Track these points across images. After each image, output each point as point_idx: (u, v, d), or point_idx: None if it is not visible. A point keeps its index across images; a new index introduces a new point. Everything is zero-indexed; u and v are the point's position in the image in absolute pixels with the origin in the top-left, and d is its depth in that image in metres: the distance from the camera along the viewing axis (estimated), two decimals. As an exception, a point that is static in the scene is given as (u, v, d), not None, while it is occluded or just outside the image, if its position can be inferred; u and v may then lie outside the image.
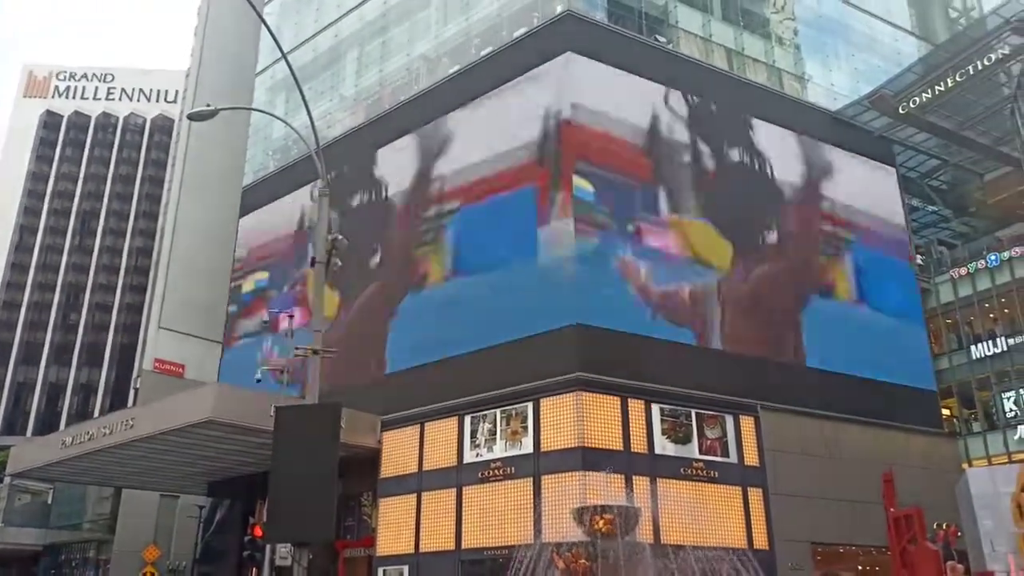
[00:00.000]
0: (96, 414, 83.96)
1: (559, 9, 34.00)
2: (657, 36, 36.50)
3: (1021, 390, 37.63)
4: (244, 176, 50.40)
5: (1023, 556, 21.34)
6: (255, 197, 47.55)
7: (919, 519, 22.69)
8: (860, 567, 32.81)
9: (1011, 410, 37.68)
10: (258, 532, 32.81)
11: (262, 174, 48.71)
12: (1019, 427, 36.98)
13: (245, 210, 48.34)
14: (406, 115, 38.89)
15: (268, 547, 16.73)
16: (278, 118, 39.35)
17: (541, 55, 33.50)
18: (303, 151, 39.14)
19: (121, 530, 51.86)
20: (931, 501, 29.32)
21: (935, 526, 24.56)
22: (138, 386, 55.65)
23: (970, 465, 35.91)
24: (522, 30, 35.46)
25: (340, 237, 13.22)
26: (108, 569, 52.65)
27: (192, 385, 43.84)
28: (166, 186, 67.55)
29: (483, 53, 37.00)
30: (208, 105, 16.87)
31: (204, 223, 56.42)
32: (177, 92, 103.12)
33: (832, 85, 42.20)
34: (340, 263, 13.47)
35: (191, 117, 17.29)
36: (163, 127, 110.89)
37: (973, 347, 39.15)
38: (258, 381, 23.11)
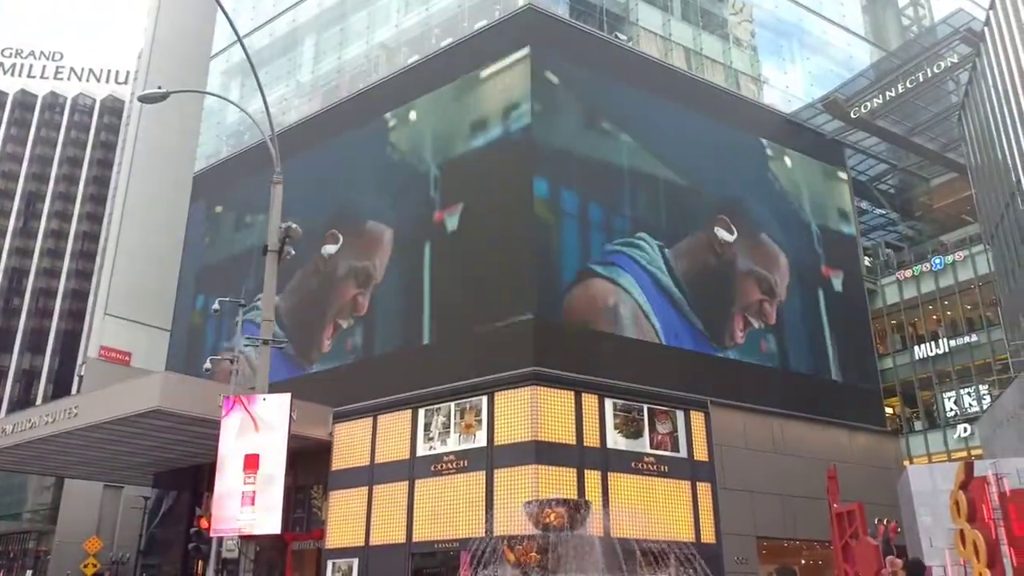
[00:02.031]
0: (38, 401, 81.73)
1: (520, 2, 33.96)
2: (617, 33, 36.68)
3: (961, 390, 38.80)
4: (196, 161, 49.37)
5: (960, 552, 21.97)
6: (206, 183, 46.61)
7: (861, 514, 23.23)
8: (803, 561, 33.54)
9: (951, 409, 38.83)
10: (204, 524, 32.26)
11: (215, 160, 47.78)
12: (959, 426, 38.13)
13: (196, 196, 47.36)
14: (364, 104, 38.47)
15: (215, 539, 16.48)
16: (232, 103, 38.60)
17: (502, 48, 33.42)
18: (257, 137, 38.45)
19: (63, 521, 50.68)
20: (873, 497, 30.13)
21: (876, 521, 25.09)
22: (82, 373, 54.35)
23: (911, 462, 36.91)
24: (483, 22, 35.33)
25: (294, 226, 13.02)
26: (48, 561, 51.38)
27: (139, 373, 42.93)
28: (115, 169, 65.97)
29: (443, 44, 36.79)
30: (160, 87, 16.44)
31: (154, 208, 55.25)
32: (128, 73, 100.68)
33: (787, 88, 42.92)
34: (293, 252, 13.26)
35: (142, 99, 16.83)
36: (113, 109, 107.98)
37: (916, 347, 40.23)
38: (207, 371, 22.66)
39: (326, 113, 40.70)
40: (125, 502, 49.70)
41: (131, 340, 53.58)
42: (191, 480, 38.24)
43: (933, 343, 39.70)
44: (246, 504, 12.58)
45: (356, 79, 40.89)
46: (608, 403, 29.89)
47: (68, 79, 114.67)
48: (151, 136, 58.49)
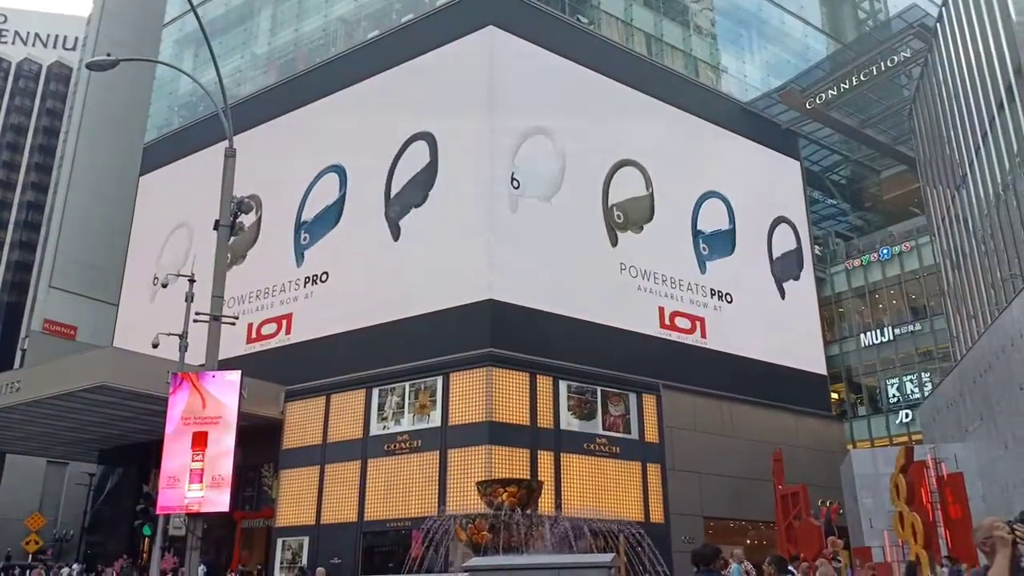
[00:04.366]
0: (-22, 376, 79.18)
1: (483, -20, 33.64)
2: (579, 16, 36.61)
3: (904, 377, 39.97)
4: (146, 132, 48.13)
5: (898, 533, 22.70)
6: (157, 154, 45.49)
7: (804, 496, 23.91)
8: (748, 541, 34.33)
9: (894, 396, 39.99)
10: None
11: (166, 130, 46.63)
12: (901, 412, 39.31)
13: (146, 168, 46.21)
14: (321, 78, 37.85)
15: (161, 516, 16.26)
16: (184, 73, 37.56)
17: (462, 27, 33.13)
18: (210, 109, 37.57)
19: (4, 497, 49.41)
20: (817, 479, 31.00)
21: (819, 503, 25.86)
22: (26, 347, 52.86)
23: (855, 446, 37.97)
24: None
25: (246, 199, 12.78)
26: (-12, 538, 50.08)
27: (84, 348, 41.96)
28: (61, 138, 63.92)
29: (404, 20, 36.31)
30: (109, 55, 15.94)
31: (102, 179, 53.81)
32: (77, 39, 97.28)
33: (745, 76, 43.36)
34: (246, 226, 13.04)
35: (90, 67, 16.29)
36: (60, 75, 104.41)
37: (862, 335, 41.29)
38: (155, 346, 22.22)
39: (282, 86, 39.96)
40: (69, 478, 48.71)
41: (76, 314, 52.29)
42: (138, 457, 37.58)
43: (879, 331, 40.79)
44: (194, 482, 12.41)
45: (314, 53, 40.18)
46: (562, 385, 30.14)
47: (13, 43, 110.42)
48: (100, 105, 56.79)
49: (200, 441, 12.45)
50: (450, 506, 24.87)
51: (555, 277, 30.71)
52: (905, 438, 36.96)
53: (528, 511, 17.39)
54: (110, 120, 55.55)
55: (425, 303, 30.24)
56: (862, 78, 40.14)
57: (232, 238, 14.17)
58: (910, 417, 38.60)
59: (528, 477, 25.29)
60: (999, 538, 4.27)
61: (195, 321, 14.52)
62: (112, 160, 53.63)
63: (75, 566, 34.85)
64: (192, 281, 20.00)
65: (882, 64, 39.63)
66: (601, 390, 31.07)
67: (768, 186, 40.37)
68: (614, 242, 33.61)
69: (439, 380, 29.45)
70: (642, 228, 34.77)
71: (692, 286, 35.49)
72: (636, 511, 29.60)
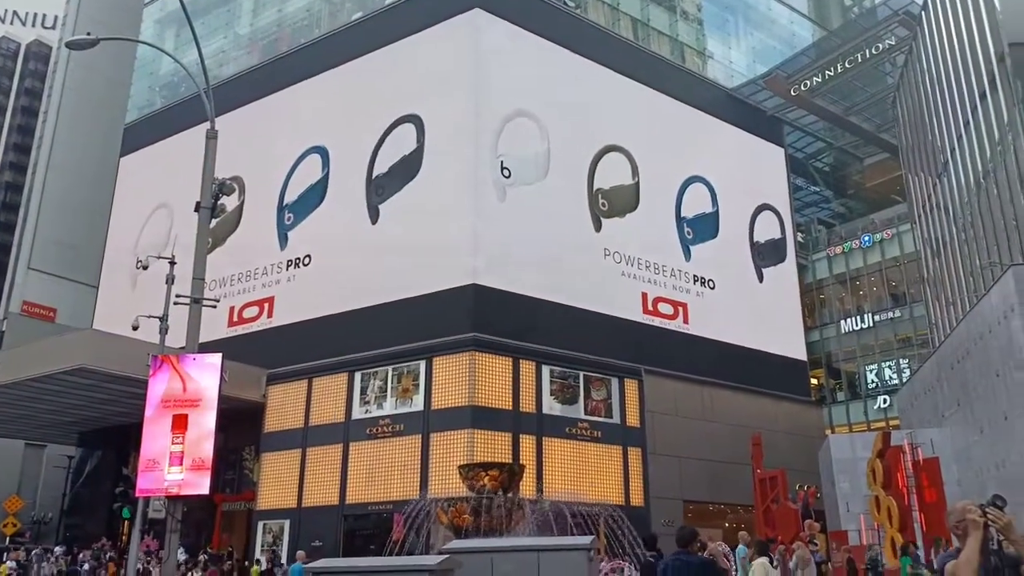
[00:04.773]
0: (-45, 358, 78.28)
1: (469, -38, 33.34)
2: (566, 0, 36.41)
3: (883, 363, 40.39)
4: (127, 112, 47.52)
5: (874, 517, 23.03)
6: (138, 135, 44.95)
7: (782, 480, 24.17)
8: (727, 524, 34.69)
9: (873, 382, 40.42)
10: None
11: (147, 111, 46.07)
12: (879, 398, 39.75)
13: (127, 148, 45.67)
14: (305, 59, 37.47)
15: (141, 499, 16.22)
16: (166, 53, 37.05)
17: (447, 8, 32.87)
18: (192, 89, 37.13)
19: (-19, 480, 48.93)
20: (796, 464, 31.30)
21: (797, 487, 26.16)
22: (4, 329, 52.26)
23: (833, 432, 38.38)
24: (430, -19, 34.64)
25: (228, 181, 12.66)
26: (-35, 521, 49.70)
27: (64, 330, 41.54)
28: (41, 118, 62.96)
29: (388, 1, 35.98)
30: (89, 34, 15.69)
31: (82, 160, 53.12)
32: (56, 17, 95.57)
33: (730, 63, 43.36)
34: (227, 208, 12.93)
35: (69, 46, 16.05)
36: (39, 54, 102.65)
37: (843, 321, 41.65)
38: (135, 329, 22.05)
39: (264, 68, 39.56)
40: (48, 461, 48.38)
41: (56, 296, 51.76)
42: (117, 440, 37.35)
43: (859, 318, 41.16)
44: (174, 465, 12.36)
45: (297, 33, 39.77)
46: (545, 370, 30.23)
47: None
48: (80, 84, 55.99)
49: (180, 424, 12.39)
50: (432, 490, 24.93)
51: (539, 262, 30.71)
52: (883, 423, 37.39)
53: (509, 494, 17.48)
54: (90, 100, 54.79)
55: (409, 287, 30.17)
56: (847, 65, 40.26)
57: (214, 220, 14.06)
58: (888, 403, 39.04)
59: (510, 461, 25.38)
60: (971, 521, 4.32)
61: (175, 304, 14.42)
62: (92, 140, 52.96)
63: (57, 549, 34.67)
64: (173, 263, 19.84)
65: (867, 51, 39.76)
66: (584, 375, 31.20)
67: (752, 173, 40.48)
68: (598, 227, 33.64)
69: (422, 364, 29.45)
70: (626, 216, 34.82)
71: (675, 272, 35.62)
72: (617, 494, 29.81)
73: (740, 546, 13.78)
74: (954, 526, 4.51)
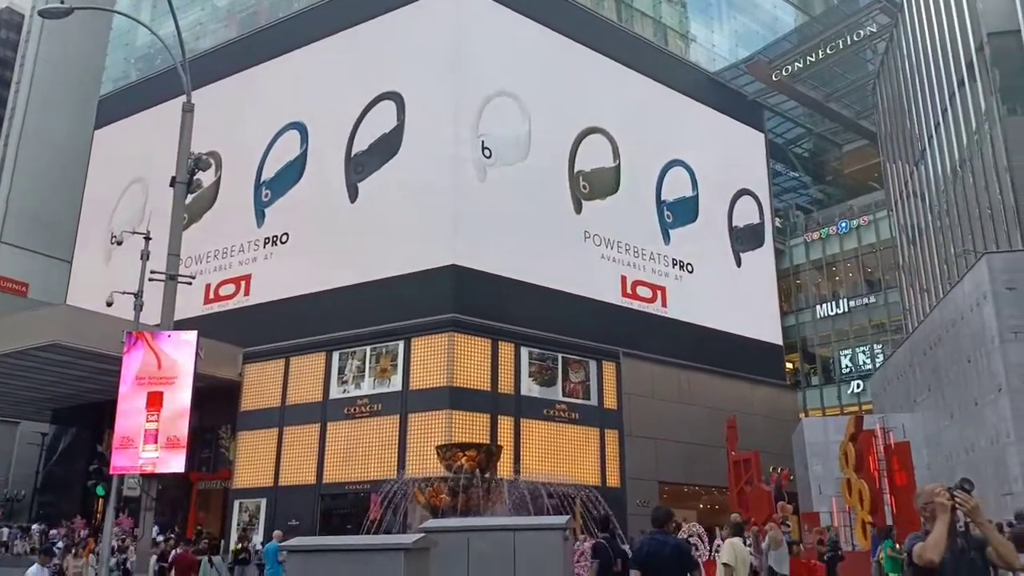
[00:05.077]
0: (-76, 332, 77.04)
1: (451, -61, 32.96)
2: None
3: (857, 348, 40.87)
4: (102, 85, 46.67)
5: (846, 499, 23.36)
6: (113, 108, 44.18)
7: (756, 462, 24.42)
8: (701, 505, 35.11)
9: (847, 366, 40.91)
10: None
11: (122, 83, 45.27)
12: (852, 382, 40.25)
13: (102, 121, 44.89)
14: (283, 33, 36.93)
15: (115, 476, 16.08)
16: (142, 24, 36.27)
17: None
18: (168, 62, 36.51)
19: (-49, 457, 48.39)
20: (770, 447, 31.66)
21: (771, 470, 26.44)
22: (-26, 304, 51.45)
23: (807, 415, 38.85)
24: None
25: (204, 156, 12.48)
26: (-64, 497, 49.18)
27: (36, 305, 40.97)
28: (12, 88, 61.70)
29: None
30: (63, 2, 15.34)
31: (55, 132, 52.19)
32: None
33: (713, 46, 43.32)
34: (204, 183, 12.75)
35: (43, 14, 15.65)
36: (11, 23, 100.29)
37: (818, 307, 42.06)
38: (109, 305, 21.76)
39: (242, 41, 38.96)
40: (21, 438, 47.89)
41: (28, 270, 50.99)
42: (92, 417, 37.02)
43: (834, 303, 41.57)
44: (149, 442, 12.25)
45: (276, 7, 39.16)
46: (524, 351, 30.29)
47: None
48: (53, 55, 54.90)
49: (155, 401, 12.27)
50: (409, 470, 24.97)
51: (519, 244, 30.66)
52: (856, 408, 37.88)
53: (487, 475, 17.54)
54: (64, 71, 53.76)
55: (388, 267, 30.04)
56: (828, 51, 40.35)
57: (190, 196, 13.86)
58: (861, 387, 39.55)
59: (487, 442, 25.46)
60: (939, 504, 4.37)
61: (150, 280, 14.23)
62: (66, 112, 52.02)
63: (35, 527, 34.39)
64: (148, 239, 19.54)
65: (848, 38, 39.86)
66: (562, 357, 31.31)
67: (732, 157, 40.57)
68: (578, 210, 33.62)
69: (400, 344, 29.40)
70: (606, 198, 34.81)
71: (654, 255, 35.73)
72: (593, 475, 30.04)
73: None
74: (922, 508, 4.55)
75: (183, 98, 14.07)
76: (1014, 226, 23.86)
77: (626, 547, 14.80)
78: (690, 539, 14.27)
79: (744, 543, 10.69)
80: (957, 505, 4.44)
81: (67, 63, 53.59)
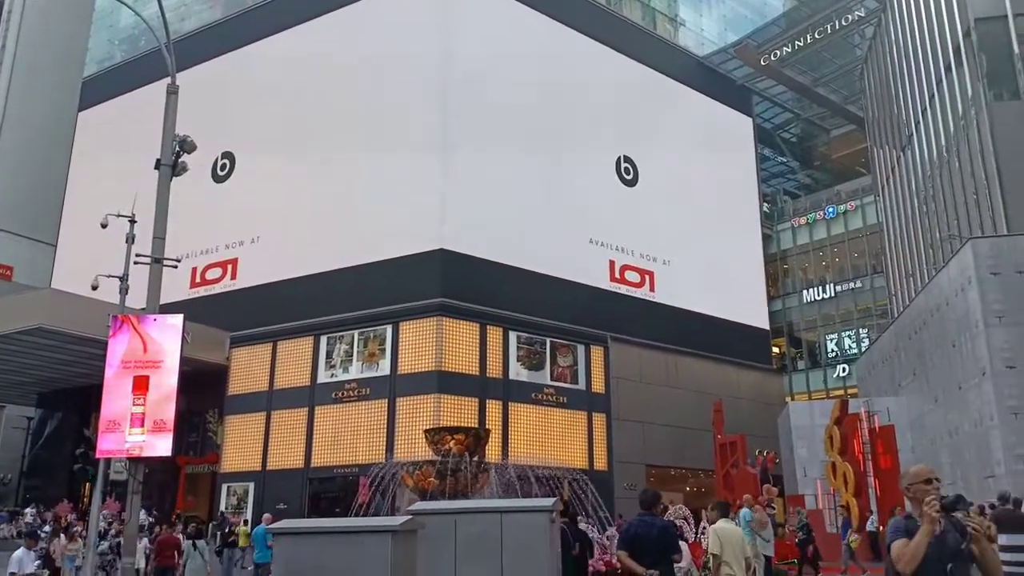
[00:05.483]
0: (-93, 316, 76.23)
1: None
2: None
3: (843, 333, 41.16)
4: (85, 66, 46.11)
5: (830, 482, 23.61)
6: (98, 89, 43.67)
7: (742, 445, 24.64)
8: (688, 488, 35.38)
9: (833, 351, 41.20)
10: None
11: (106, 65, 44.75)
12: (838, 366, 40.55)
13: (86, 103, 44.39)
14: (268, 15, 36.54)
15: (102, 460, 16.03)
16: (125, 4, 35.76)
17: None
18: (152, 43, 36.06)
19: (-64, 441, 48.04)
20: (756, 430, 31.93)
21: (756, 452, 26.66)
22: (-43, 288, 50.97)
23: (793, 399, 39.16)
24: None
25: (189, 138, 12.36)
26: (-80, 482, 48.86)
27: (21, 289, 40.60)
28: (-6, 69, 60.84)
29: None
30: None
31: (38, 114, 51.48)
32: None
33: (702, 30, 43.22)
34: (189, 167, 12.64)
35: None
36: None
37: (805, 291, 42.29)
38: (94, 288, 21.62)
39: (228, 23, 38.54)
40: (7, 422, 47.55)
41: (12, 254, 50.45)
42: (78, 400, 36.82)
43: (821, 288, 41.80)
44: (135, 426, 12.19)
45: (263, -12, 38.70)
46: (512, 336, 30.33)
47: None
48: (35, 36, 54.06)
49: (141, 385, 12.19)
50: (398, 453, 25.02)
51: (508, 228, 30.62)
52: (841, 391, 38.21)
53: (475, 458, 17.58)
54: (48, 52, 52.97)
55: (376, 251, 29.95)
56: (816, 36, 40.35)
57: (175, 178, 13.72)
58: (847, 371, 39.85)
59: (476, 426, 25.53)
60: (927, 514, 4.13)
61: (136, 263, 14.12)
62: (50, 94, 51.31)
63: (28, 511, 34.22)
64: (133, 222, 19.40)
65: (837, 22, 39.86)
66: (551, 341, 31.37)
67: (720, 142, 40.58)
68: (567, 194, 33.52)
69: (389, 329, 29.37)
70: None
71: (643, 240, 35.74)
72: (581, 459, 30.20)
73: (744, 509, 14.18)
74: (906, 488, 4.44)
75: (168, 80, 13.92)
76: (999, 211, 24.02)
77: (592, 530, 14.96)
78: (676, 521, 14.37)
79: (736, 523, 10.69)
80: (974, 530, 4.25)
81: (50, 44, 52.83)
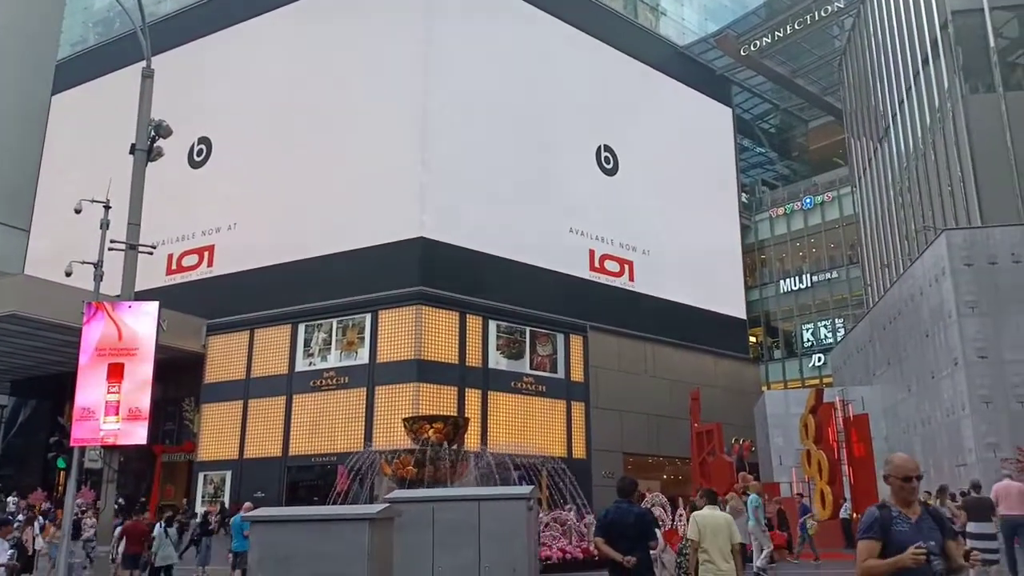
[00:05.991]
0: None
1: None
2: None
3: (818, 323, 41.56)
4: (59, 49, 45.34)
5: (805, 470, 23.86)
6: (71, 73, 42.98)
7: (718, 434, 24.84)
8: (665, 476, 35.66)
9: (808, 340, 41.61)
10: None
11: (80, 48, 44.04)
12: (814, 356, 40.96)
13: (59, 86, 43.68)
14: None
15: (76, 449, 15.87)
16: (101, -13, 35.43)
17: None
18: (128, 26, 35.55)
19: (-94, 429, 47.29)
20: (733, 418, 32.21)
21: (733, 441, 26.91)
22: (-73, 274, 50.06)
23: (769, 388, 39.50)
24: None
25: (164, 123, 12.19)
26: None
27: (-7, 276, 39.97)
28: (-36, 51, 59.62)
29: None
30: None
31: (10, 98, 50.49)
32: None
33: (683, 20, 43.26)
34: (164, 152, 12.47)
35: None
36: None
37: (782, 281, 42.64)
38: (68, 275, 21.33)
39: (204, 6, 38.02)
40: (-22, 410, 46.89)
41: (-16, 240, 49.64)
42: (52, 388, 36.41)
43: (797, 278, 42.16)
44: (110, 414, 12.06)
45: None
46: (492, 324, 30.34)
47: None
48: (7, 17, 53.01)
49: (116, 373, 12.06)
50: (376, 442, 24.98)
51: (487, 217, 30.57)
52: (816, 381, 38.58)
53: (454, 447, 17.61)
54: (19, 34, 51.93)
55: (354, 239, 29.81)
56: (796, 27, 40.53)
57: (150, 163, 13.54)
58: (822, 361, 40.26)
59: (455, 414, 25.56)
60: (909, 557, 3.91)
61: (110, 249, 13.95)
62: (22, 77, 50.37)
63: (11, 500, 33.78)
64: (107, 207, 19.12)
65: (816, 13, 40.05)
66: (530, 330, 31.44)
67: (699, 132, 40.73)
68: (546, 183, 33.50)
69: (367, 317, 29.28)
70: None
71: (623, 230, 35.82)
72: (559, 447, 30.33)
73: (752, 495, 14.33)
74: (886, 475, 4.44)
75: (143, 63, 13.72)
76: (973, 203, 24.30)
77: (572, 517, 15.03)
78: (653, 508, 14.48)
79: (722, 509, 10.72)
80: (973, 565, 4.17)
81: (23, 25, 51.81)
